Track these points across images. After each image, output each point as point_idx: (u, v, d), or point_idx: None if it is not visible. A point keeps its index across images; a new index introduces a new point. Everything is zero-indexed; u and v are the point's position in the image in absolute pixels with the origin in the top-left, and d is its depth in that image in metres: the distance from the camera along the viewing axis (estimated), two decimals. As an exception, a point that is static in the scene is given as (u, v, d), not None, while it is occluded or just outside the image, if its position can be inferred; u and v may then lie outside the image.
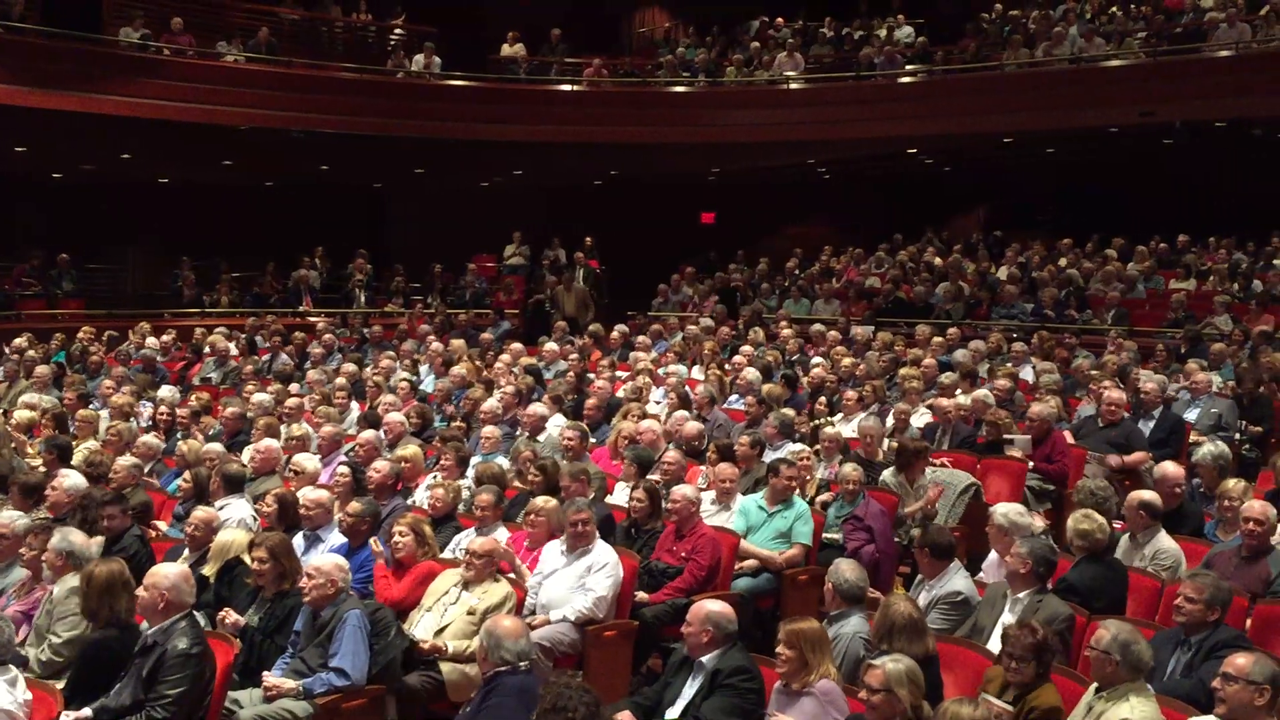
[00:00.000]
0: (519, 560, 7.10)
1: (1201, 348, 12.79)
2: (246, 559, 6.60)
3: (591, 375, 13.08)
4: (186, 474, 8.57)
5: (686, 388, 11.86)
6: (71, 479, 7.97)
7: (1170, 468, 7.85)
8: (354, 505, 7.18)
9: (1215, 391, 11.00)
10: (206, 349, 15.30)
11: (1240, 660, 4.59)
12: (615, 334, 15.82)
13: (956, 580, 6.37)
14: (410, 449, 9.24)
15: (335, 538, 7.24)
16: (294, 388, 12.77)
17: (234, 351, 15.18)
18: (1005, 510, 6.88)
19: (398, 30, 21.34)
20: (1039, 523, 6.92)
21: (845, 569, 5.91)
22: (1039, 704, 4.97)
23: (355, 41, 21.28)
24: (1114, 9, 20.26)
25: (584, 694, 4.45)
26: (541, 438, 10.16)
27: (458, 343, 15.29)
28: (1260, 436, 10.43)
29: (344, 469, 8.43)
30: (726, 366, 12.95)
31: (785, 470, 7.99)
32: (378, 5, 21.50)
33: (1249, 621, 5.98)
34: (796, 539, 7.77)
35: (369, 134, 19.22)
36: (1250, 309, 14.49)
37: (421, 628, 6.32)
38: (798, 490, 8.20)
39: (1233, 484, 7.33)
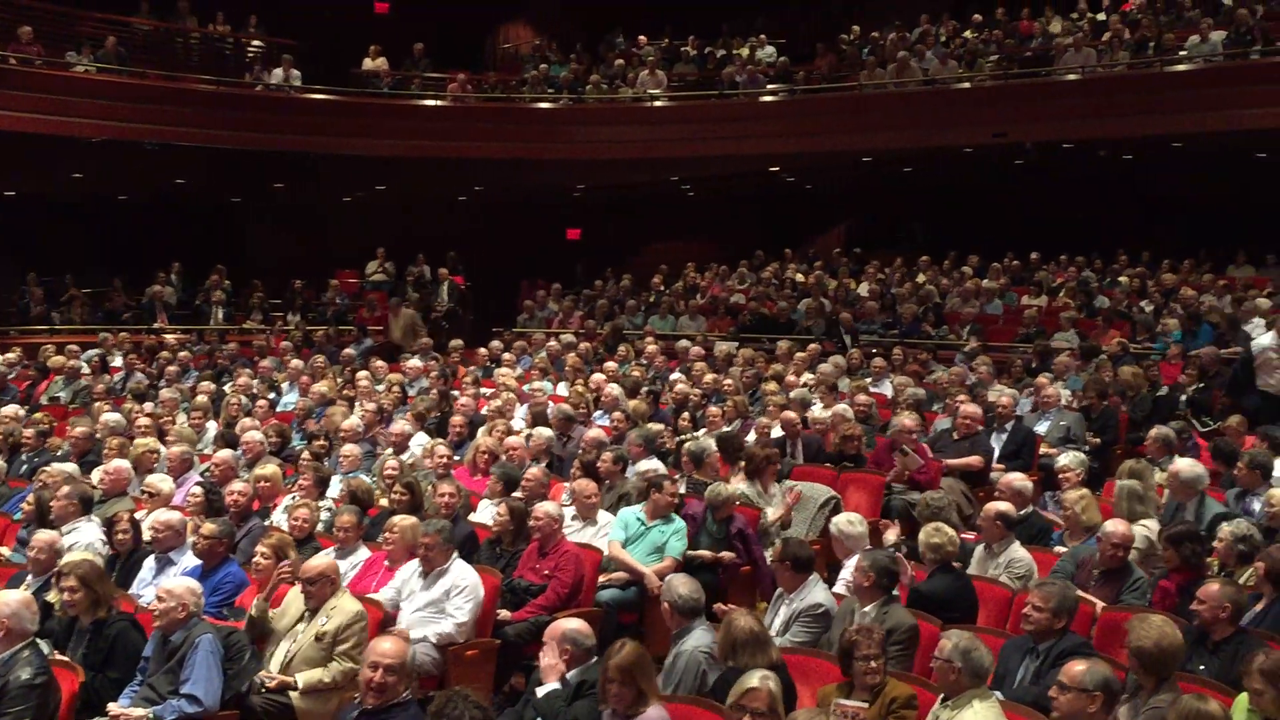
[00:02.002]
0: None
1: (1051, 362, 13.17)
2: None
3: (456, 392, 13.00)
4: (30, 497, 8.28)
5: (550, 403, 11.87)
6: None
7: (1006, 476, 8.21)
8: (208, 526, 7.01)
9: (1064, 405, 11.37)
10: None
11: (1073, 669, 4.73)
12: (482, 351, 15.75)
13: (816, 593, 6.45)
14: (269, 468, 9.07)
15: (188, 560, 7.05)
16: (148, 406, 12.44)
17: (85, 369, 14.73)
18: (838, 521, 7.17)
19: (256, 42, 20.95)
20: (892, 534, 7.08)
21: (678, 585, 5.89)
22: (898, 695, 5.14)
23: (212, 53, 20.81)
24: (968, 32, 20.83)
25: (475, 707, 4.40)
26: (405, 455, 10.06)
27: (321, 359, 15.04)
28: (1103, 447, 10.77)
29: (197, 489, 8.23)
30: (591, 383, 12.93)
31: (669, 487, 8.02)
32: (235, 16, 21.07)
33: (1094, 629, 6.17)
34: (669, 552, 7.80)
35: (226, 147, 18.83)
36: (1097, 325, 14.97)
37: (273, 662, 6.14)
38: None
39: (1073, 494, 7.59)
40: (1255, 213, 19.32)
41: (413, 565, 6.94)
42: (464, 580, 6.76)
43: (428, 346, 16.12)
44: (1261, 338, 11.59)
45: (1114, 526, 6.70)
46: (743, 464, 9.21)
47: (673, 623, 5.85)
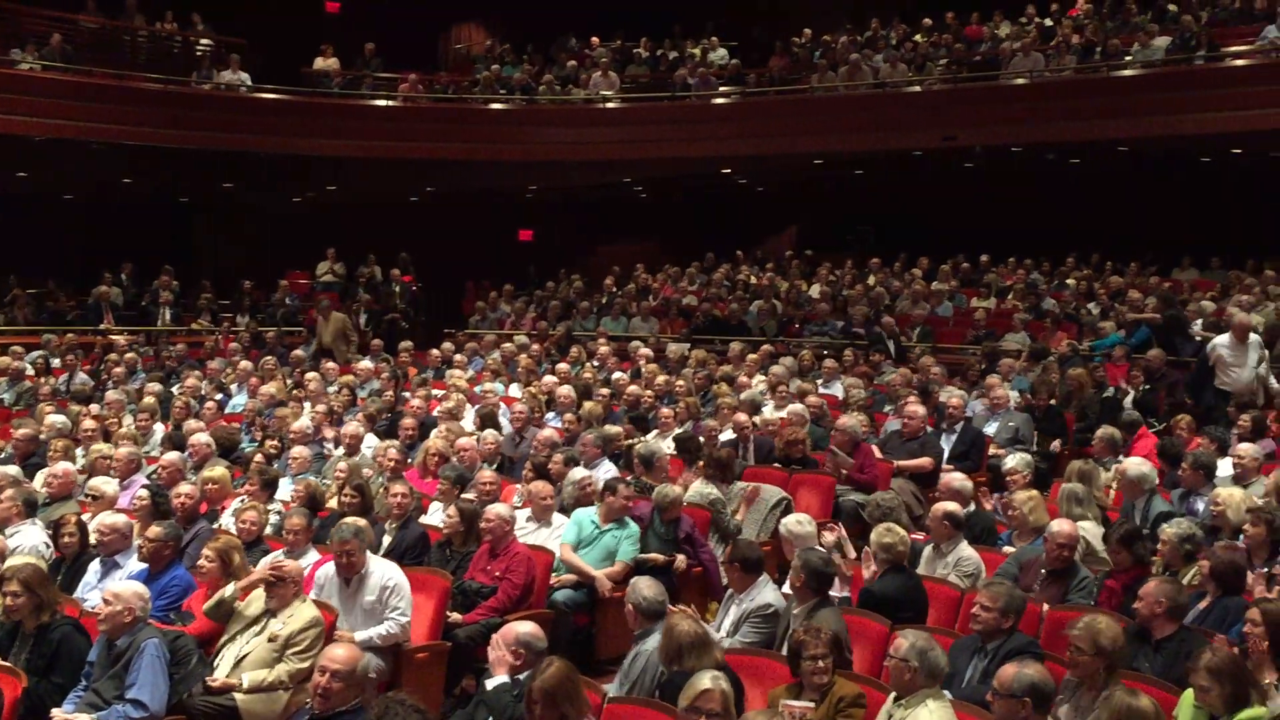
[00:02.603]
0: None
1: (998, 364, 13.28)
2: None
3: (407, 394, 12.96)
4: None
5: (501, 405, 11.86)
6: None
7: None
8: (154, 529, 6.92)
9: (1013, 406, 11.48)
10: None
11: (1003, 675, 4.78)
12: (434, 352, 15.69)
13: (766, 593, 6.46)
14: (217, 470, 8.99)
15: (133, 563, 6.97)
16: (93, 408, 12.29)
17: (29, 370, 14.53)
18: (786, 521, 7.21)
19: (204, 41, 20.74)
20: (829, 536, 7.15)
21: (643, 587, 5.93)
22: (846, 694, 5.16)
23: (160, 51, 20.58)
24: (918, 36, 20.98)
25: (414, 712, 4.40)
26: (356, 457, 10.00)
27: (271, 360, 14.92)
28: (1052, 448, 10.89)
29: (144, 492, 8.14)
30: (543, 385, 12.91)
31: (623, 490, 8.04)
32: (184, 15, 20.86)
33: (1042, 628, 6.23)
34: (620, 557, 7.82)
35: (174, 146, 18.64)
36: (1045, 327, 15.12)
37: (224, 660, 6.09)
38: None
39: (1021, 495, 7.67)
40: (1200, 216, 19.61)
41: (328, 570, 6.81)
42: (391, 578, 6.68)
43: (377, 349, 16.03)
44: (1218, 337, 11.84)
45: (1059, 526, 6.78)
46: (701, 465, 9.23)
47: (635, 624, 5.87)
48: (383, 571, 6.72)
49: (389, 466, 9.26)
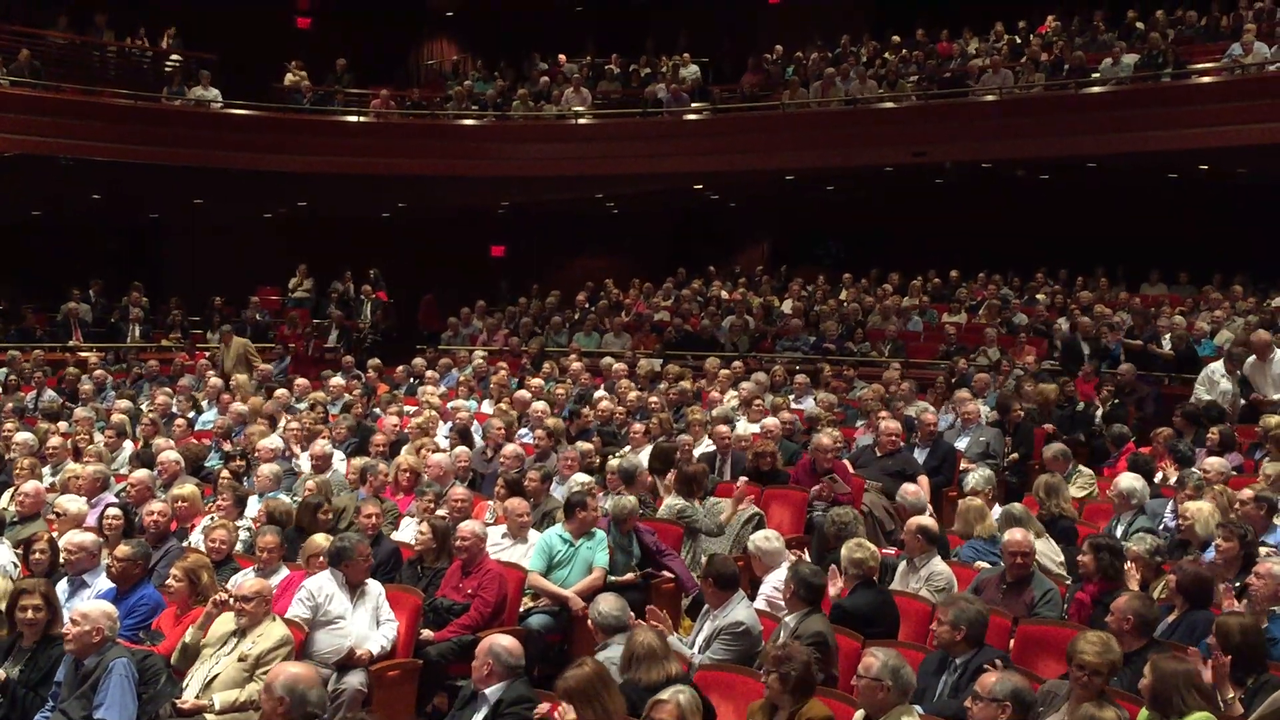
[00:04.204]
0: None
1: (970, 378, 13.34)
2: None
3: (377, 410, 12.90)
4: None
5: (476, 422, 11.83)
6: None
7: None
8: (122, 548, 6.86)
9: (984, 421, 11.52)
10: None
11: (986, 680, 4.82)
12: (400, 370, 15.63)
13: (738, 611, 6.42)
14: (187, 488, 8.93)
15: (102, 583, 6.91)
16: (62, 426, 12.18)
17: (-2, 389, 14.42)
18: (755, 538, 7.33)
19: (174, 56, 20.66)
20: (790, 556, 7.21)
21: (602, 603, 6.06)
22: (814, 715, 5.12)
23: (130, 67, 20.49)
24: (888, 53, 21.09)
25: None
26: (327, 474, 9.94)
27: (241, 378, 14.83)
28: (1020, 461, 10.94)
29: (115, 510, 8.07)
30: (515, 400, 12.89)
31: (591, 503, 8.04)
32: (154, 31, 20.77)
33: (1012, 642, 6.25)
34: (597, 564, 7.85)
35: (144, 162, 18.53)
36: (1016, 341, 15.20)
37: (194, 680, 6.04)
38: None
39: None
40: (1168, 231, 19.76)
41: (320, 581, 6.77)
42: (377, 585, 6.91)
43: (349, 365, 15.94)
44: (1248, 358, 11.85)
45: (1010, 535, 6.83)
46: (670, 479, 9.24)
47: (596, 637, 6.00)
48: (370, 580, 6.88)
49: (376, 485, 9.25)
